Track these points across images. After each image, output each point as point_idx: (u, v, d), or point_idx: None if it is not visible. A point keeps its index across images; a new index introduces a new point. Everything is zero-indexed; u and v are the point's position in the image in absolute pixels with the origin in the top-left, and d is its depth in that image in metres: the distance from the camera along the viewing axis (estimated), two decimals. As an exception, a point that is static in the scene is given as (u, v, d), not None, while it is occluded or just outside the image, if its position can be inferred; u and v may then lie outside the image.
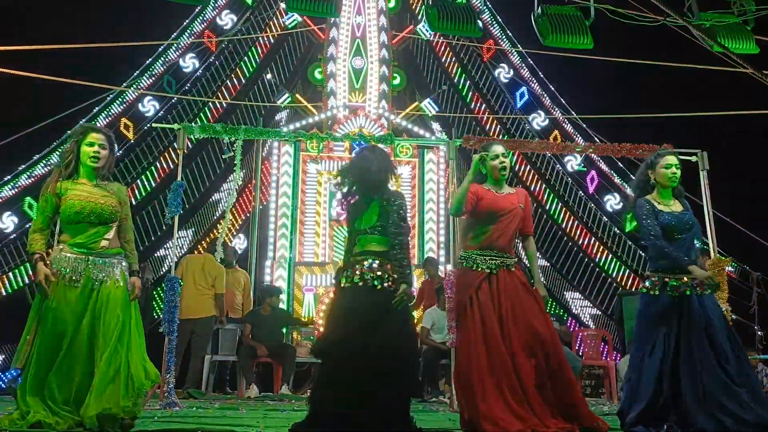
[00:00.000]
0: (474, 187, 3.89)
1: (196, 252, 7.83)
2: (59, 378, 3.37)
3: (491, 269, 3.77)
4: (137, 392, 3.42)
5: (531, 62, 12.32)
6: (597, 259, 11.59)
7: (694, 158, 6.70)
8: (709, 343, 3.67)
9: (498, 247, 3.82)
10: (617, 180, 11.70)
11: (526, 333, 3.66)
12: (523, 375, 3.59)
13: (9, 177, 10.08)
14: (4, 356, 9.46)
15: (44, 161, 10.20)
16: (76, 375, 3.38)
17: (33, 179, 10.08)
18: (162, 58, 11.27)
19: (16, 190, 10.06)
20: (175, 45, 11.40)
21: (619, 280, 11.40)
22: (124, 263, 3.63)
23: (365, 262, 3.53)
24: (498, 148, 3.99)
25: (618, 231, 11.55)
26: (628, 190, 11.55)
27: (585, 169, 11.15)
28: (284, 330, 8.17)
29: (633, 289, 10.90)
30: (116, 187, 3.70)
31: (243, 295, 8.20)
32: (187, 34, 11.58)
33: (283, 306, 8.48)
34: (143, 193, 10.76)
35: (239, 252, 10.04)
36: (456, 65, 12.83)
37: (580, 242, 11.65)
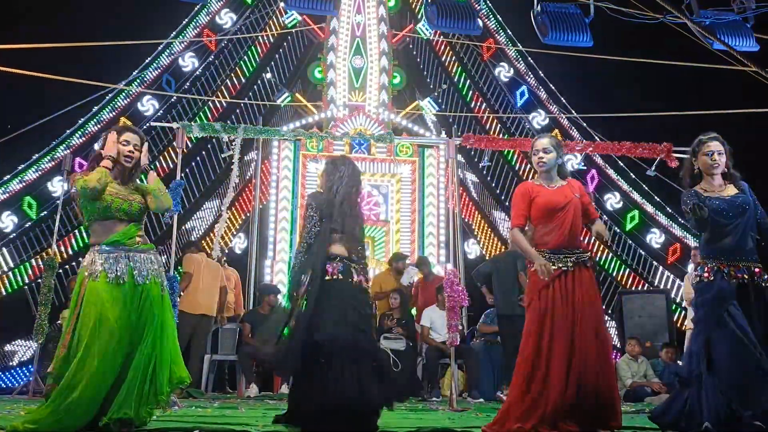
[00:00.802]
0: (528, 185, 3.81)
1: (197, 251, 7.80)
2: (93, 382, 3.27)
3: (567, 267, 3.65)
4: (158, 401, 3.40)
5: (531, 61, 12.30)
6: (597, 258, 11.57)
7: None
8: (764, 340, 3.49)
9: (571, 244, 3.70)
10: (617, 179, 11.68)
11: (583, 340, 3.56)
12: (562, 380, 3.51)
13: (8, 176, 10.07)
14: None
15: (42, 160, 10.18)
16: (108, 378, 3.30)
17: (32, 178, 10.07)
18: (161, 57, 11.25)
19: (15, 189, 10.05)
20: (175, 44, 11.38)
21: (619, 279, 11.38)
22: (158, 258, 3.60)
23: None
24: (538, 143, 3.85)
25: (618, 230, 11.53)
26: (628, 188, 11.58)
27: (585, 167, 11.12)
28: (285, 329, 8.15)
29: (633, 288, 10.91)
30: (140, 184, 3.68)
31: (234, 293, 8.19)
32: (186, 33, 11.56)
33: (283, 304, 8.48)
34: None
35: (233, 252, 10.05)
36: (456, 64, 12.81)
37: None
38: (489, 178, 11.97)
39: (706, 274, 3.66)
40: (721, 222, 3.66)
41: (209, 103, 11.48)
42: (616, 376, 3.69)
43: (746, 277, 3.60)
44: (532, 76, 12.34)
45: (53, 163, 10.15)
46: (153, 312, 3.45)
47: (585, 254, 3.73)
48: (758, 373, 3.40)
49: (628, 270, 11.37)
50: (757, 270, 3.64)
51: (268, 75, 12.04)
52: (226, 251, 9.02)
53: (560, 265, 3.65)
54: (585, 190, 3.92)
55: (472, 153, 10.94)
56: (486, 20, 12.32)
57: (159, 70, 11.22)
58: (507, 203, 11.82)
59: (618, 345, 9.27)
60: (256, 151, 10.04)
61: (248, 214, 10.70)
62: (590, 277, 3.71)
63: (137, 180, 3.71)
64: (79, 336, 3.32)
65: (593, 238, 4.11)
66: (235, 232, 11.17)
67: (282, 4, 11.68)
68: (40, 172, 10.13)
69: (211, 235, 10.71)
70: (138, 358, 3.35)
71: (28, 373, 8.57)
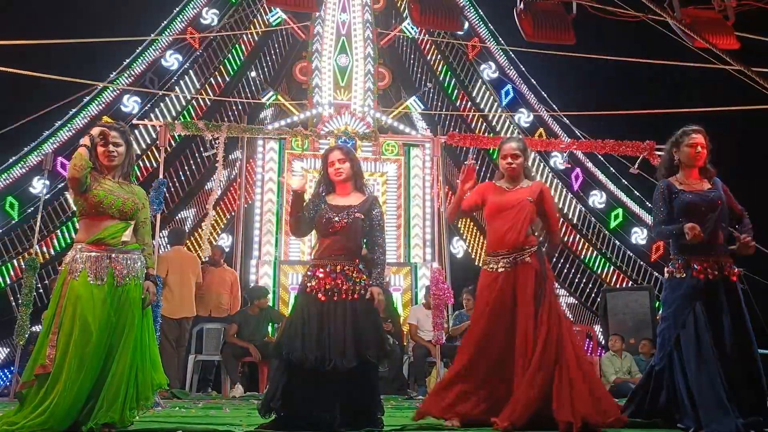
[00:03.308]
0: (484, 186, 3.88)
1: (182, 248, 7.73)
2: (82, 385, 3.24)
3: (505, 268, 3.74)
4: (140, 405, 3.38)
5: (515, 59, 12.35)
6: (582, 256, 11.65)
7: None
8: (734, 333, 3.52)
9: (509, 244, 3.75)
10: (601, 177, 11.76)
11: (525, 330, 3.63)
12: (511, 375, 3.60)
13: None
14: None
15: (23, 161, 10.05)
16: (87, 380, 3.26)
17: (12, 179, 9.94)
18: (144, 55, 11.15)
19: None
20: (158, 42, 11.29)
21: (603, 276, 11.46)
22: (143, 259, 3.53)
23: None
24: (507, 147, 3.91)
25: (602, 228, 11.61)
26: (612, 187, 11.67)
27: (570, 166, 11.17)
28: (270, 330, 8.12)
29: (617, 286, 10.99)
30: (137, 189, 3.63)
31: (231, 294, 8.10)
32: (169, 31, 11.47)
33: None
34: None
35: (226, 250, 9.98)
36: (441, 63, 12.84)
37: (566, 239, 11.70)
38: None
39: (677, 271, 3.65)
40: (693, 218, 3.61)
41: (193, 101, 11.40)
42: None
43: (717, 272, 3.60)
44: (516, 74, 12.39)
45: (35, 162, 10.03)
46: (133, 314, 3.41)
47: (525, 250, 3.77)
48: (714, 379, 3.41)
49: (612, 267, 11.45)
50: (727, 265, 3.64)
51: (253, 73, 11.98)
52: (224, 253, 8.90)
53: (497, 267, 3.76)
54: (546, 194, 3.96)
55: (458, 151, 10.96)
56: (471, 19, 12.35)
57: (142, 68, 11.12)
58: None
59: (602, 342, 9.34)
60: (240, 150, 9.99)
61: (233, 214, 10.64)
62: (533, 268, 3.74)
63: (132, 180, 3.65)
64: (58, 336, 3.28)
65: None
66: (220, 232, 11.10)
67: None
68: (19, 173, 10.00)
69: (196, 234, 10.65)
70: (119, 360, 3.31)
71: (9, 375, 8.47)
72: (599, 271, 11.51)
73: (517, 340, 3.65)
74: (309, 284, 3.65)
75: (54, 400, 3.18)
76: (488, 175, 11.91)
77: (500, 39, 12.45)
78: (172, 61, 11.38)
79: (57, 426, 3.19)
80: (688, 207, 3.65)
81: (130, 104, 10.86)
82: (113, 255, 3.41)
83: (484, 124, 12.43)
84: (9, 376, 8.47)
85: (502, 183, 3.93)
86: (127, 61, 10.96)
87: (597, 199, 11.68)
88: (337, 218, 3.67)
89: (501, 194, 3.86)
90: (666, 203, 3.70)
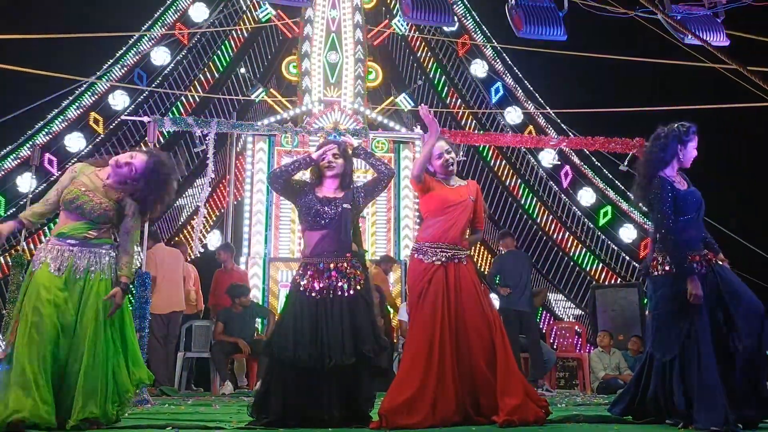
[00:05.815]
0: (426, 175, 3.86)
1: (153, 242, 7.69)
2: (44, 372, 3.22)
3: (441, 262, 3.73)
4: (122, 399, 3.38)
5: (506, 56, 12.38)
6: (571, 253, 11.70)
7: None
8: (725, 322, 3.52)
9: (449, 239, 3.77)
10: (591, 175, 11.81)
11: (472, 329, 3.64)
12: (458, 373, 3.58)
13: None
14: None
15: (12, 156, 9.95)
16: (59, 371, 3.27)
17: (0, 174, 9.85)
18: (132, 51, 11.07)
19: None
20: (146, 37, 11.20)
21: (592, 273, 11.52)
22: (113, 254, 3.49)
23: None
24: (442, 145, 3.92)
25: (591, 225, 11.67)
26: (601, 184, 11.72)
27: (560, 163, 11.20)
28: (259, 327, 8.09)
29: (606, 283, 11.06)
30: (119, 197, 3.55)
31: (194, 290, 8.03)
32: (158, 26, 11.39)
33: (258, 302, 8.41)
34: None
35: (208, 249, 9.96)
36: (431, 60, 12.85)
37: (555, 236, 11.75)
38: (464, 174, 12.03)
39: (663, 268, 3.63)
40: (687, 214, 3.63)
41: (182, 98, 11.33)
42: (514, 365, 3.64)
43: (704, 268, 3.61)
44: (506, 72, 12.42)
45: (21, 158, 9.93)
46: (98, 308, 3.36)
47: (462, 252, 3.80)
48: (713, 375, 3.41)
49: (601, 264, 11.52)
50: (710, 258, 3.66)
51: (242, 70, 11.93)
52: (201, 250, 8.87)
53: (434, 259, 3.74)
54: (481, 195, 4.02)
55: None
56: (461, 16, 12.36)
57: (131, 64, 11.03)
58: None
59: (591, 338, 9.39)
60: (230, 147, 9.95)
61: (223, 210, 10.60)
62: (468, 271, 3.78)
63: (124, 194, 3.53)
64: (20, 324, 3.29)
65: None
66: (209, 229, 11.05)
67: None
68: (7, 168, 9.89)
69: (185, 231, 10.59)
70: (89, 355, 3.29)
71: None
72: (588, 268, 11.57)
73: (473, 338, 3.64)
74: (302, 282, 3.62)
75: (12, 391, 3.17)
76: (476, 174, 11.97)
77: (490, 36, 12.47)
78: (160, 57, 11.29)
79: (31, 416, 3.15)
80: (686, 204, 3.65)
81: (119, 100, 10.77)
82: (74, 249, 3.41)
83: (474, 121, 12.45)
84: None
85: (439, 178, 3.93)
86: (116, 56, 10.87)
87: (586, 196, 11.72)
88: (325, 210, 3.65)
89: (443, 189, 3.87)
90: (672, 203, 3.62)
